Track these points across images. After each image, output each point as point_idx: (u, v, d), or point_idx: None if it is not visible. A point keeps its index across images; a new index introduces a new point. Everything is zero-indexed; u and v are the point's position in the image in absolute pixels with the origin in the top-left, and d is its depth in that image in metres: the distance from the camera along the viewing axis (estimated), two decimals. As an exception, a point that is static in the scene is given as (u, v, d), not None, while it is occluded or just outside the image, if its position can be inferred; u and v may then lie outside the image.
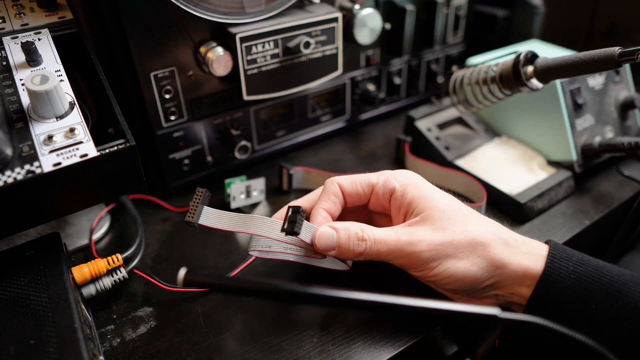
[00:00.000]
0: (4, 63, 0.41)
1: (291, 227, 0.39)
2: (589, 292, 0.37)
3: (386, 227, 0.42)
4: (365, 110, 0.75)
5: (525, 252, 0.39)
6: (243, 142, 0.62)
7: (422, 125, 0.66)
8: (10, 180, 0.34)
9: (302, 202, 0.46)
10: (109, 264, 0.47)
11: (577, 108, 0.60)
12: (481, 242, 0.39)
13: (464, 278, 0.39)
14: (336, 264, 0.47)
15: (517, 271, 0.38)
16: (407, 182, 0.42)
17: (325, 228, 0.41)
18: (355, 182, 0.44)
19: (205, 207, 0.42)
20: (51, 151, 0.36)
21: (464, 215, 0.40)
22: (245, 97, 0.57)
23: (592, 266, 0.38)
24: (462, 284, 0.39)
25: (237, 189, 0.58)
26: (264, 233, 0.41)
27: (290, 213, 0.40)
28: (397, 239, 0.39)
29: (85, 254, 0.54)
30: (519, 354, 0.41)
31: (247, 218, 0.42)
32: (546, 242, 0.41)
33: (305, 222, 0.40)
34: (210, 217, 0.42)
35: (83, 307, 0.41)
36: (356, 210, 0.48)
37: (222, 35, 0.55)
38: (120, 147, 0.39)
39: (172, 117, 0.57)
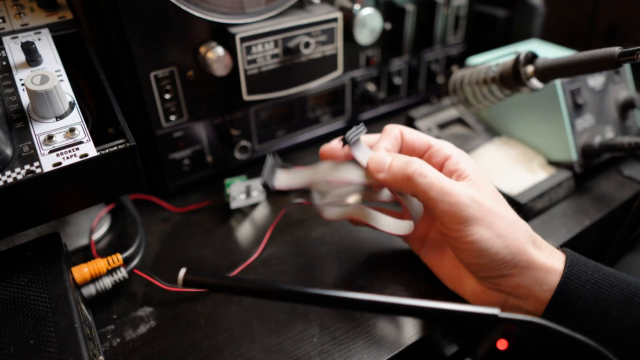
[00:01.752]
0: (4, 63, 0.42)
1: (347, 136, 0.42)
2: (608, 297, 0.37)
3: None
4: (365, 110, 0.75)
5: (549, 257, 0.40)
6: (243, 142, 0.62)
7: (422, 125, 0.66)
8: (10, 180, 0.34)
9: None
10: (109, 264, 0.47)
11: (577, 108, 0.60)
12: (518, 228, 0.39)
13: (489, 253, 0.38)
14: (397, 226, 0.48)
15: (539, 268, 0.39)
16: (463, 154, 0.43)
17: (382, 151, 0.43)
18: (415, 135, 0.45)
19: (278, 170, 0.47)
20: (51, 151, 0.36)
21: (505, 203, 0.42)
22: (245, 97, 0.57)
23: (609, 272, 0.38)
24: (485, 258, 0.39)
25: (237, 189, 0.58)
26: (330, 177, 0.45)
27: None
28: (452, 181, 0.40)
29: (85, 254, 0.54)
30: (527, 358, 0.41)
31: (313, 171, 0.47)
32: (561, 250, 0.41)
33: (365, 146, 0.43)
34: (282, 179, 0.47)
35: (83, 307, 0.41)
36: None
37: (222, 35, 0.55)
38: (120, 147, 0.39)
39: (172, 117, 0.57)
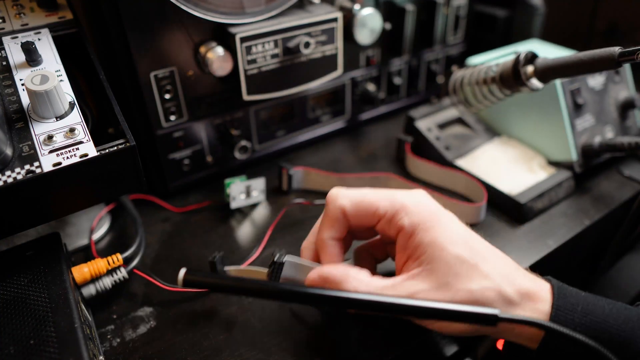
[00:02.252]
0: (4, 63, 0.42)
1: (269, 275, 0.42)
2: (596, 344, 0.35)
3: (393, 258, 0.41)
4: (365, 110, 0.75)
5: (529, 310, 0.36)
6: (243, 142, 0.62)
7: (422, 125, 0.66)
8: (10, 180, 0.34)
9: (311, 236, 0.44)
10: (109, 264, 0.47)
11: (577, 108, 0.60)
12: (485, 301, 0.35)
13: (457, 333, 0.38)
14: None
15: (512, 330, 0.37)
16: (418, 222, 0.38)
17: (318, 272, 0.39)
18: (360, 208, 0.40)
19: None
20: (51, 151, 0.36)
21: (472, 268, 0.36)
22: (245, 97, 0.57)
23: (599, 315, 0.36)
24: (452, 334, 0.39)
25: (237, 189, 0.58)
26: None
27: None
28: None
29: (85, 254, 0.54)
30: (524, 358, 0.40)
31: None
32: (549, 282, 0.38)
33: (298, 264, 0.42)
34: None
35: (83, 307, 0.41)
36: (366, 230, 0.44)
37: (222, 35, 0.55)
38: (120, 147, 0.39)
39: (172, 117, 0.57)
